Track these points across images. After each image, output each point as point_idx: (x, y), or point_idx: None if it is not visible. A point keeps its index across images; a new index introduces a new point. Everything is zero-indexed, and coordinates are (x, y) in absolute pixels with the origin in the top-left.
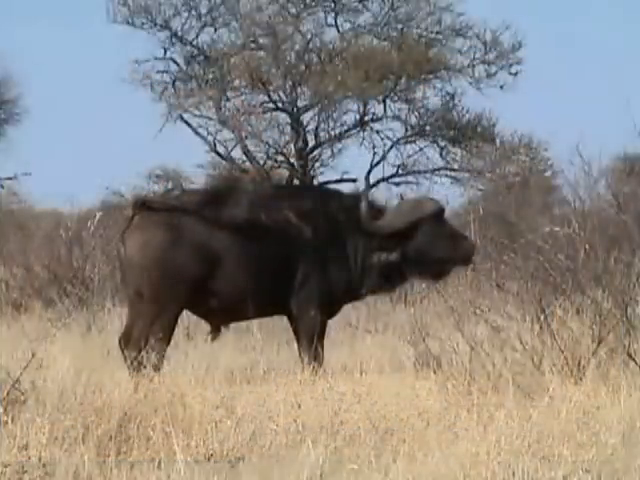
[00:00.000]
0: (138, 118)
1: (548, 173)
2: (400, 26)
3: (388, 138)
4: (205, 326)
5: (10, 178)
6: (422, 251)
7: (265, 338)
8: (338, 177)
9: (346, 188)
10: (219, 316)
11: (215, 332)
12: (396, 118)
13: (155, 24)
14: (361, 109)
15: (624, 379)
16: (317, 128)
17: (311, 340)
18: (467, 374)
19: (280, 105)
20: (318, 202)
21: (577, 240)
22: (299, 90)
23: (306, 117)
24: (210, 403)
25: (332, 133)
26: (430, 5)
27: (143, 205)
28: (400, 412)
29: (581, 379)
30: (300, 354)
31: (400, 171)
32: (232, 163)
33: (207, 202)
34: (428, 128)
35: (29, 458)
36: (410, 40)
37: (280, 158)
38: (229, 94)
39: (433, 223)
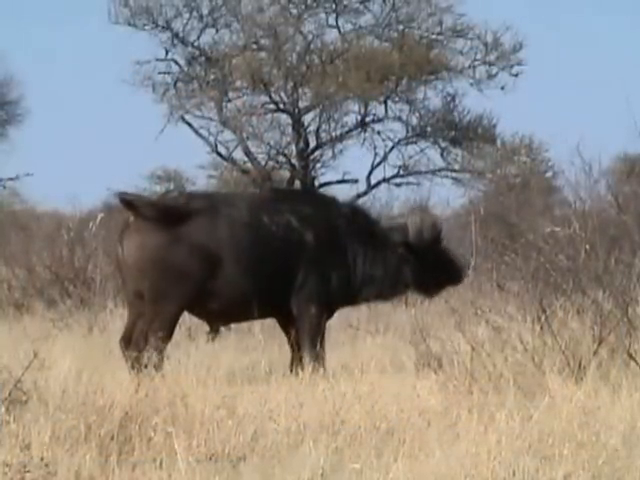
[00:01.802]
0: (140, 119)
1: (549, 174)
2: (401, 27)
3: (389, 139)
4: (206, 327)
5: (12, 179)
6: (429, 265)
7: (266, 338)
8: (339, 178)
9: (347, 189)
10: (219, 317)
11: (214, 333)
12: (397, 119)
13: (156, 25)
14: (362, 110)
15: (625, 379)
16: (318, 129)
17: (312, 340)
18: (468, 374)
19: (281, 106)
20: (317, 206)
21: (578, 240)
22: (300, 91)
23: (307, 118)
24: (212, 403)
25: (333, 134)
26: (431, 6)
27: (132, 204)
28: (401, 412)
29: (582, 379)
30: (302, 354)
31: (401, 172)
32: (233, 164)
33: (205, 203)
34: (429, 129)
35: (31, 458)
36: (411, 41)
37: (281, 159)
38: (230, 95)
39: (440, 240)
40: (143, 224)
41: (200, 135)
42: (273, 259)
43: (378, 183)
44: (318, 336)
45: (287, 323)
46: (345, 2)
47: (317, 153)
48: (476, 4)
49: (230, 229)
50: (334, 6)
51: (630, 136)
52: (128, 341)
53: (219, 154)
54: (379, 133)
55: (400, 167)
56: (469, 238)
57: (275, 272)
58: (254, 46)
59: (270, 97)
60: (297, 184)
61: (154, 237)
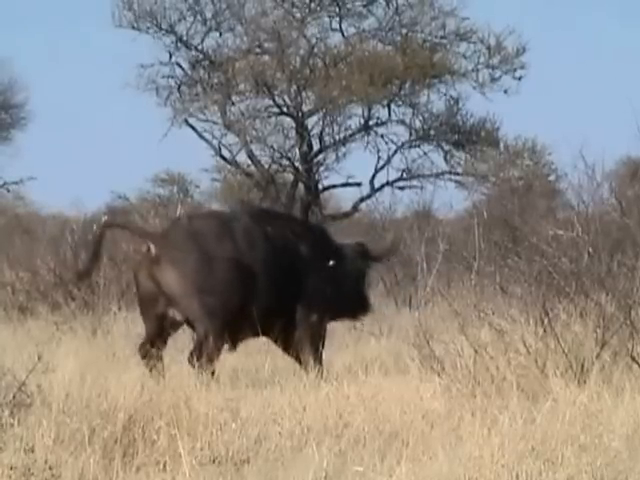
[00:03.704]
0: (143, 122)
1: (552, 177)
2: (404, 31)
3: (392, 142)
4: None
5: (16, 182)
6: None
7: (270, 341)
8: (343, 181)
9: (351, 192)
10: (239, 333)
11: (232, 349)
12: (400, 122)
13: (160, 29)
14: (365, 113)
15: (627, 382)
16: (322, 132)
17: (316, 345)
18: (471, 377)
19: (285, 109)
20: (304, 224)
21: (581, 244)
22: (304, 94)
23: (311, 121)
24: (215, 406)
25: (337, 137)
26: (434, 10)
27: (159, 238)
28: (404, 415)
29: (585, 382)
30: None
31: (404, 175)
32: (237, 167)
33: (219, 222)
34: (432, 132)
35: (35, 461)
36: (414, 44)
37: (285, 162)
38: (234, 98)
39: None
40: (175, 252)
41: (204, 138)
42: (287, 273)
43: (382, 186)
44: (320, 341)
45: (288, 338)
46: (348, 6)
47: (320, 156)
48: (479, 7)
49: (252, 243)
50: (337, 10)
51: (633, 139)
52: (146, 352)
53: (223, 157)
54: (382, 136)
55: (403, 170)
56: (472, 241)
57: (288, 285)
58: (258, 50)
59: (274, 100)
60: (301, 187)
61: (191, 262)
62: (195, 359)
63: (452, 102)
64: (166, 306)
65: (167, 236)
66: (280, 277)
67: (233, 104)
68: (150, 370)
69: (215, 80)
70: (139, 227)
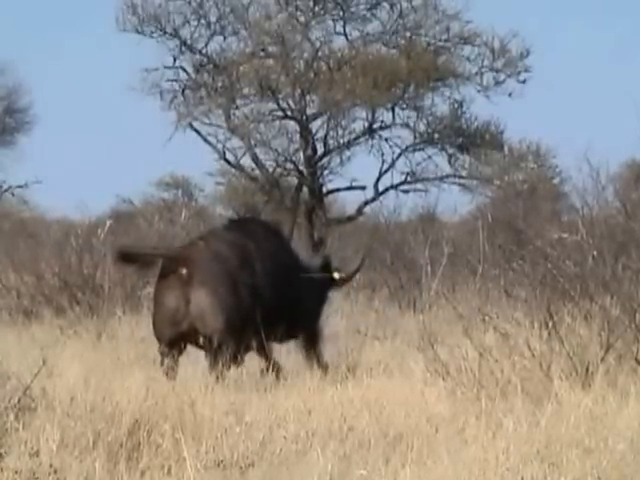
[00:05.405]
0: (147, 126)
1: (556, 180)
2: (408, 34)
3: (397, 146)
4: None
5: (21, 186)
6: None
7: (273, 345)
8: (347, 185)
9: (355, 196)
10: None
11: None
12: (405, 126)
13: (164, 32)
14: (370, 117)
15: (632, 385)
16: (326, 136)
17: (321, 349)
18: (476, 380)
19: (289, 113)
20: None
21: (585, 247)
22: (308, 98)
23: (315, 125)
24: (220, 410)
25: (341, 141)
26: (438, 13)
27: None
28: (409, 418)
29: (589, 385)
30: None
31: (409, 178)
32: (241, 171)
33: (234, 246)
34: (436, 135)
35: (40, 464)
36: (418, 48)
37: (289, 166)
38: (238, 102)
39: None
40: (205, 275)
41: (208, 142)
42: (286, 284)
43: (386, 190)
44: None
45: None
46: (352, 9)
47: (325, 160)
48: (483, 11)
49: (259, 259)
50: (341, 13)
51: (638, 142)
52: (168, 365)
53: (227, 161)
54: (387, 140)
55: (408, 174)
56: (476, 244)
57: (283, 293)
58: (262, 53)
59: (278, 104)
60: (305, 191)
61: (221, 285)
62: (212, 367)
63: (456, 105)
64: (190, 325)
65: (193, 259)
66: (279, 287)
67: (237, 108)
68: (167, 373)
69: (219, 84)
70: (170, 252)
